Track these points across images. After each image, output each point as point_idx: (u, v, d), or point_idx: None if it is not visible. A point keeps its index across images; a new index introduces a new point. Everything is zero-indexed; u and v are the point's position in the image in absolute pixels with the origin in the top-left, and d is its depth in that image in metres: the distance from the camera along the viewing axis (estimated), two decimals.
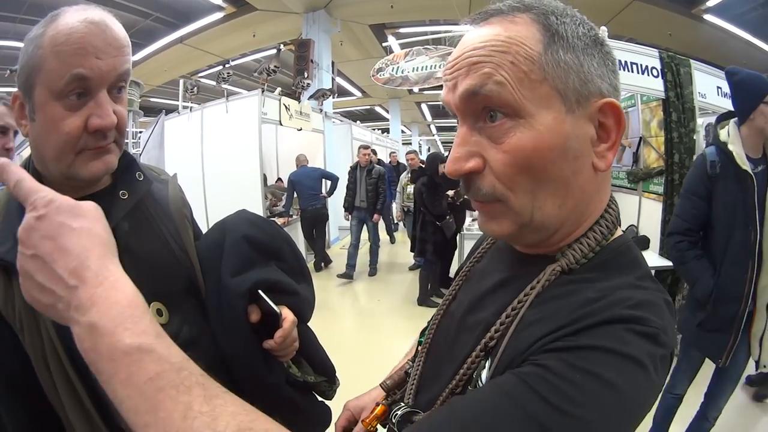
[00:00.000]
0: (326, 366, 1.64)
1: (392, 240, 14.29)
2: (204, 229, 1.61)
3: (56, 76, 1.09)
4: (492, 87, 0.80)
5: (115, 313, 0.69)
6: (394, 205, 11.91)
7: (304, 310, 1.49)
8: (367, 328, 7.79)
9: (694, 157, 5.37)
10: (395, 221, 13.86)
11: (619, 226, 0.96)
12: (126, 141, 1.27)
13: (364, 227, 10.54)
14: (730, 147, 3.00)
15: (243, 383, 1.31)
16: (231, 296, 1.32)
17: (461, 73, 0.85)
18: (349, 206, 10.44)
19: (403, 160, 12.97)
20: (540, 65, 0.80)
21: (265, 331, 1.35)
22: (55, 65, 1.09)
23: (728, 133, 3.06)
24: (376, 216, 10.30)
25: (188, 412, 0.64)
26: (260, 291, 1.33)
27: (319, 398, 1.64)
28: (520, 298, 0.88)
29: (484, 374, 0.88)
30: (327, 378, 1.62)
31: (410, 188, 10.06)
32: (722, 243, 3.05)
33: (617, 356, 0.70)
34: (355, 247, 10.20)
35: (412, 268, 10.74)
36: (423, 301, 8.39)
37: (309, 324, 1.61)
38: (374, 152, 11.87)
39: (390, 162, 13.39)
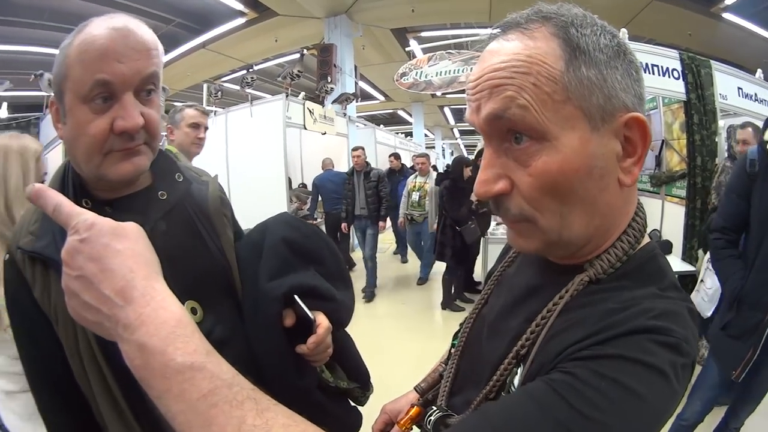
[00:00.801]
0: (360, 372, 1.65)
1: (403, 259, 12.50)
2: None
3: (81, 82, 1.14)
4: (515, 111, 0.80)
5: (165, 333, 0.72)
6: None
7: (341, 316, 1.48)
8: (392, 330, 7.74)
9: (717, 160, 5.36)
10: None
11: (646, 233, 0.96)
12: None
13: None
14: None
15: (272, 386, 1.27)
16: (266, 300, 1.33)
17: (483, 96, 0.84)
18: (348, 216, 9.51)
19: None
20: (563, 85, 0.79)
21: (300, 335, 1.36)
22: (80, 72, 1.14)
23: None
24: (381, 224, 9.52)
25: (241, 426, 0.67)
26: (296, 296, 1.33)
27: (352, 403, 1.65)
28: (549, 307, 0.89)
29: (516, 380, 0.89)
30: (360, 385, 1.62)
31: (415, 194, 9.46)
32: (755, 245, 2.98)
33: (641, 365, 0.72)
34: (371, 258, 9.49)
35: (419, 283, 10.30)
36: (447, 304, 8.37)
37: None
38: (397, 156, 11.75)
39: (391, 166, 12.05)
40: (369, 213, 9.35)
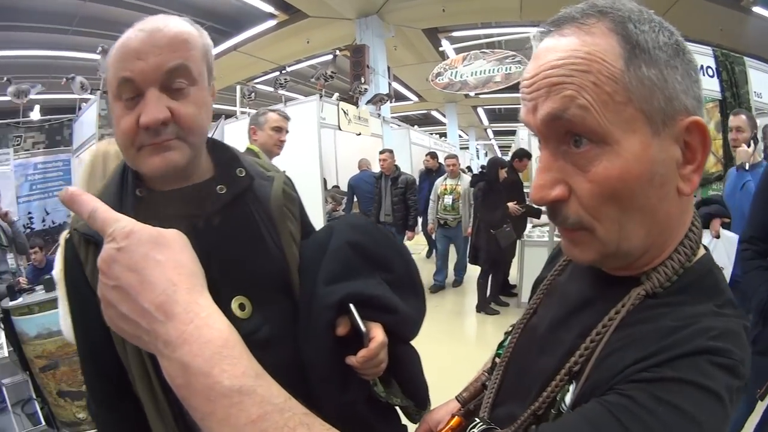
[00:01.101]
0: (418, 390, 1.56)
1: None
2: None
3: (112, 82, 1.24)
4: (575, 111, 0.76)
5: (210, 353, 0.68)
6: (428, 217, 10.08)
7: (403, 329, 1.43)
8: (423, 336, 7.62)
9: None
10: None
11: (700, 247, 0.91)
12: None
13: None
14: None
15: (315, 394, 1.29)
16: (320, 305, 1.30)
17: (540, 95, 0.80)
18: (374, 220, 8.65)
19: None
20: (623, 85, 0.75)
21: (353, 344, 1.31)
22: (111, 73, 1.24)
23: None
24: (409, 233, 9.24)
25: None
26: (351, 305, 1.28)
27: (403, 419, 1.59)
28: (605, 322, 0.85)
29: (568, 398, 0.86)
30: (415, 402, 1.54)
31: (448, 198, 9.12)
32: None
33: (698, 389, 0.69)
34: None
35: (432, 290, 9.71)
36: (482, 307, 8.31)
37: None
38: (434, 156, 11.54)
39: (427, 166, 11.45)
40: (394, 221, 9.01)
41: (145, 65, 1.18)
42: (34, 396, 4.80)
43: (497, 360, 1.20)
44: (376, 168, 9.97)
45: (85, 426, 4.90)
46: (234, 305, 1.33)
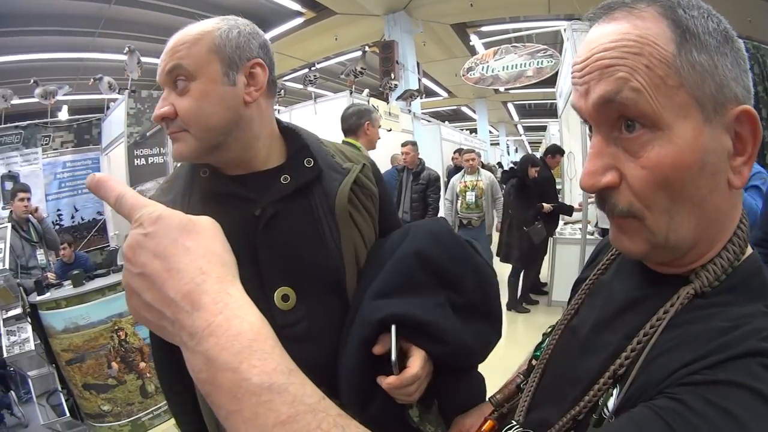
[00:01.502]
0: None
1: None
2: None
3: None
4: (628, 94, 0.75)
5: (239, 347, 0.64)
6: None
7: (454, 360, 1.34)
8: None
9: None
10: None
11: (748, 245, 0.88)
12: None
13: None
14: None
15: (339, 400, 1.26)
16: (361, 319, 1.26)
17: (593, 77, 0.80)
18: None
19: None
20: (675, 69, 0.74)
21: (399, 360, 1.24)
22: None
23: None
24: None
25: None
26: (393, 326, 1.21)
27: None
28: (653, 322, 0.83)
29: (611, 402, 0.82)
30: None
31: (470, 195, 8.35)
32: None
33: (749, 392, 0.66)
34: None
35: None
36: (512, 305, 8.28)
37: None
38: (462, 152, 11.21)
39: (455, 163, 10.99)
40: (411, 219, 7.93)
41: (159, 69, 1.33)
42: (59, 388, 4.90)
43: (534, 362, 1.18)
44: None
45: (110, 418, 5.05)
46: (277, 295, 1.35)
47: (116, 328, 4.95)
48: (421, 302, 1.27)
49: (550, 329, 1.21)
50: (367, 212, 1.51)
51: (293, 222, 1.41)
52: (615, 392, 0.83)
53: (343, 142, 4.41)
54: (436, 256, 1.36)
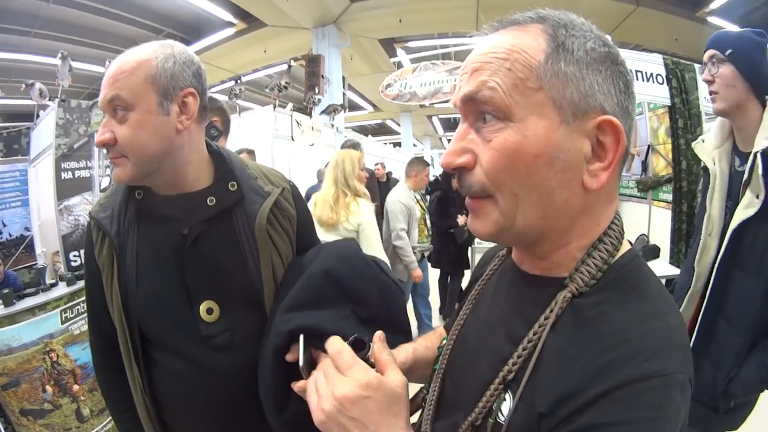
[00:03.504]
0: None
1: None
2: None
3: None
4: (485, 92, 0.84)
5: None
6: None
7: None
8: None
9: (702, 164, 5.36)
10: None
11: (623, 239, 0.94)
12: None
13: None
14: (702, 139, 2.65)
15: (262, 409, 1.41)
16: (272, 330, 1.34)
17: (464, 79, 0.89)
18: None
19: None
20: (537, 74, 0.82)
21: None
22: None
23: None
24: None
25: None
26: (301, 336, 1.26)
27: None
28: (536, 329, 0.88)
29: (504, 406, 0.88)
30: None
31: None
32: None
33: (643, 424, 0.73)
34: None
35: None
36: (444, 311, 8.39)
37: None
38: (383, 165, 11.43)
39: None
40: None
41: (101, 97, 1.40)
42: None
43: (434, 374, 1.22)
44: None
45: None
46: (202, 308, 1.52)
47: (47, 349, 4.65)
48: (327, 315, 1.34)
49: (444, 340, 1.26)
50: (285, 232, 1.61)
51: (217, 241, 1.52)
52: (507, 397, 0.88)
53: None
54: (343, 272, 1.45)
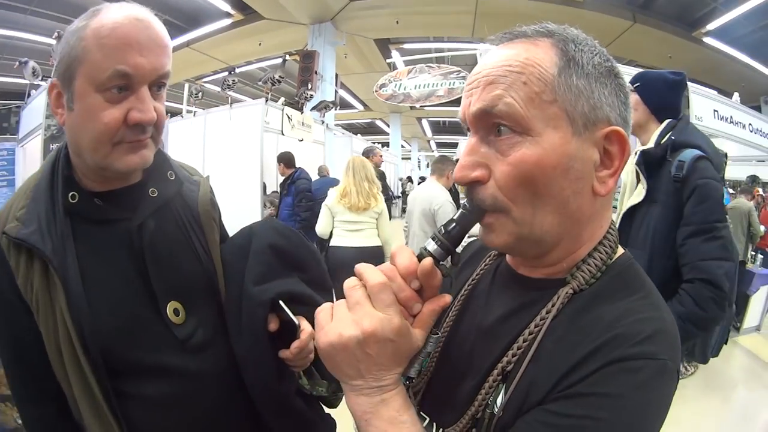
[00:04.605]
0: None
1: None
2: None
3: (99, 68, 1.15)
4: (501, 107, 0.83)
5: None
6: None
7: None
8: None
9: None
10: None
11: (618, 247, 0.98)
12: None
13: None
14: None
15: (253, 390, 1.39)
16: (253, 304, 1.35)
17: (476, 91, 0.88)
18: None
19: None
20: (552, 87, 0.83)
21: (282, 340, 1.38)
22: (99, 57, 1.15)
23: None
24: None
25: None
26: (281, 302, 1.35)
27: (326, 409, 1.66)
28: (537, 322, 0.89)
29: (499, 399, 0.89)
30: (337, 384, 1.53)
31: None
32: None
33: (610, 398, 0.76)
34: None
35: None
36: None
37: None
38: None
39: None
40: None
41: (146, 63, 1.18)
42: None
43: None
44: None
45: None
46: (169, 310, 1.35)
47: None
48: (288, 282, 1.43)
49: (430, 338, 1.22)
50: (215, 221, 1.55)
51: (167, 235, 1.40)
52: (503, 390, 0.89)
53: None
54: (283, 245, 1.51)
